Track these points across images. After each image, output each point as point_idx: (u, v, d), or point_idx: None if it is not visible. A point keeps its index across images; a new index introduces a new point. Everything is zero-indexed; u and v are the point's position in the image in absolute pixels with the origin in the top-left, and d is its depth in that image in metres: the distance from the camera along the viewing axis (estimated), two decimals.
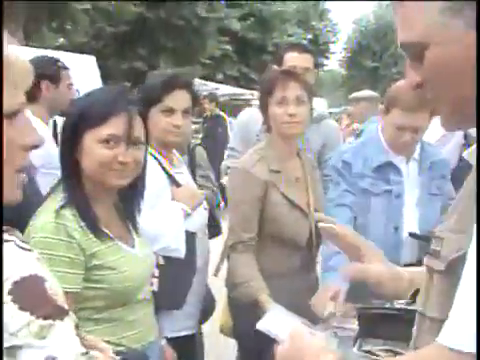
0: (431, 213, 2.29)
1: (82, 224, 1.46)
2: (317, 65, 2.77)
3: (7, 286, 0.81)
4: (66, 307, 0.89)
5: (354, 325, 1.78)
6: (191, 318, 2.07)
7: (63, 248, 1.41)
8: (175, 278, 1.90)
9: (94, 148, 1.48)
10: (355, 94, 5.58)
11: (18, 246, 0.86)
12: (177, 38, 17.71)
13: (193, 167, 2.58)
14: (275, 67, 2.67)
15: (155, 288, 1.77)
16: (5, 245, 0.84)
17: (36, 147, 0.90)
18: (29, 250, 0.88)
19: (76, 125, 1.49)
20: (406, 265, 2.30)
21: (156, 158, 1.97)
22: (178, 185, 1.98)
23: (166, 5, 17.04)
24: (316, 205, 2.24)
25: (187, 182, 2.08)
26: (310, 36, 27.59)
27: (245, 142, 2.82)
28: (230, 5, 19.81)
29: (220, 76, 20.91)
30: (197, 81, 12.13)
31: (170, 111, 1.97)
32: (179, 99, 1.99)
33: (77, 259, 1.44)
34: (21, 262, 0.85)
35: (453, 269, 0.79)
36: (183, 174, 2.08)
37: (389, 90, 2.35)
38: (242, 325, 2.13)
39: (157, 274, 1.80)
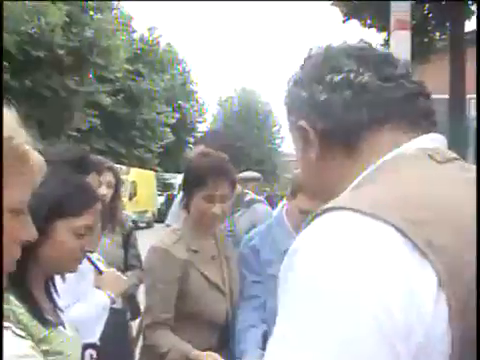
0: None
1: (27, 309, 1.35)
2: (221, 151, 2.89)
3: None
4: None
5: None
6: None
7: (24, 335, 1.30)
8: None
9: (67, 238, 1.45)
10: (243, 175, 5.93)
11: (14, 333, 0.83)
12: (43, 109, 17.25)
13: (127, 247, 2.55)
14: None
15: None
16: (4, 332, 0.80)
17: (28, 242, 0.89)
18: (24, 337, 0.84)
19: (46, 215, 1.43)
20: None
21: None
22: (100, 272, 1.94)
23: (34, 74, 16.64)
24: (231, 283, 2.26)
25: (107, 268, 2.04)
26: (178, 115, 28.28)
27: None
28: (100, 80, 19.83)
29: (87, 149, 20.57)
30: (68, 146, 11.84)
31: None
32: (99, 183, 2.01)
33: (35, 347, 1.34)
34: (17, 350, 0.81)
35: None
36: (100, 260, 2.04)
37: (294, 176, 2.51)
38: None
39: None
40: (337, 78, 0.87)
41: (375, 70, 0.88)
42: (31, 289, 1.43)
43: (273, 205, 6.15)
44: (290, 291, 0.71)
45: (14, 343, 0.83)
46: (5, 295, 1.33)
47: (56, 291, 1.57)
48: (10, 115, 0.90)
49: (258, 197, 3.15)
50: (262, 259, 2.38)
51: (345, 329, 0.64)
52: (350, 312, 0.65)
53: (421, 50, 9.24)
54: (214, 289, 2.18)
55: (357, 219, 0.70)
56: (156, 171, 23.86)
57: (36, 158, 0.86)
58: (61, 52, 16.91)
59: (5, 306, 1.31)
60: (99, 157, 3.02)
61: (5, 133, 0.82)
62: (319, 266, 0.68)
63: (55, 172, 1.54)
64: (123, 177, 14.61)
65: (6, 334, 0.82)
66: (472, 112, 12.33)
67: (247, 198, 2.87)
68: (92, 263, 1.91)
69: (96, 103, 20.21)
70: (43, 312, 1.41)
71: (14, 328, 0.84)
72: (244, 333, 2.25)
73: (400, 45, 5.25)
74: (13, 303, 1.34)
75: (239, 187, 2.99)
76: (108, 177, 2.94)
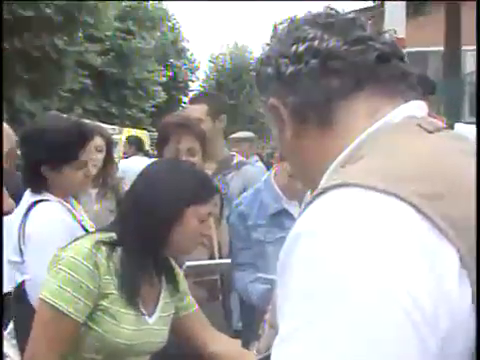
0: None
1: (111, 265, 1.49)
2: (216, 113, 2.91)
3: None
4: None
5: None
6: None
7: (86, 276, 1.44)
8: None
9: (194, 224, 1.59)
10: (236, 135, 5.89)
11: None
12: (34, 70, 16.99)
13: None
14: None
15: None
16: None
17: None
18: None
19: (181, 203, 1.57)
20: None
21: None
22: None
23: (23, 35, 16.32)
24: (219, 237, 2.37)
25: None
26: (170, 73, 27.93)
27: None
28: (90, 39, 19.49)
29: (79, 110, 20.37)
30: (56, 114, 11.72)
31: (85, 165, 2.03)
32: (90, 151, 2.04)
33: (93, 291, 1.45)
34: None
35: None
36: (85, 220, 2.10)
37: None
38: None
39: None
40: (301, 47, 0.81)
41: (341, 34, 0.82)
42: (147, 265, 1.58)
43: (268, 165, 6.15)
44: (297, 285, 0.64)
45: None
46: (100, 246, 1.49)
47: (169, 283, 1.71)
48: None
49: (245, 159, 3.19)
50: (249, 224, 2.43)
51: (374, 328, 0.58)
52: (378, 309, 0.58)
53: (417, 2, 9.09)
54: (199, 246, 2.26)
55: (369, 197, 0.63)
56: (149, 131, 23.71)
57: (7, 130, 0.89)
58: (49, 11, 16.54)
59: (93, 251, 1.47)
60: (90, 122, 3.02)
61: None
62: (330, 256, 0.61)
63: (179, 166, 1.70)
64: (116, 137, 14.51)
65: None
66: (467, 65, 12.23)
67: (235, 161, 2.92)
68: (83, 228, 1.94)
69: (86, 63, 19.92)
70: (135, 286, 1.53)
71: None
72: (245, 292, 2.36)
73: (395, 13, 5.14)
74: (102, 253, 1.49)
75: (226, 150, 3.02)
76: (98, 141, 2.94)
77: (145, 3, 26.52)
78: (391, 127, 0.77)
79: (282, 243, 2.48)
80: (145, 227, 1.54)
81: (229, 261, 2.29)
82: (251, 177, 2.92)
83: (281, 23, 0.90)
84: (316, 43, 0.81)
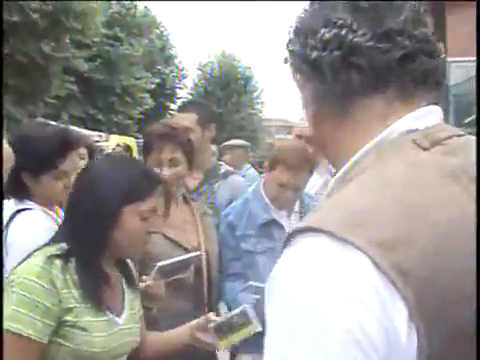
0: None
1: (68, 277, 1.43)
2: (206, 122, 2.89)
3: None
4: None
5: None
6: None
7: (42, 294, 1.38)
8: None
9: (133, 222, 1.52)
10: (230, 143, 5.97)
11: None
12: (20, 76, 16.87)
13: None
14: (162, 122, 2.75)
15: None
16: None
17: None
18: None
19: (117, 202, 1.50)
20: None
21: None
22: None
23: (9, 41, 16.21)
24: (207, 246, 2.34)
25: None
26: (158, 80, 27.88)
27: None
28: (77, 46, 19.40)
29: (65, 116, 20.25)
30: (43, 121, 11.66)
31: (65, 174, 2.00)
32: (74, 161, 2.03)
33: (52, 309, 1.39)
34: None
35: None
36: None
37: (273, 148, 2.51)
38: None
39: None
40: (329, 35, 0.80)
41: (372, 24, 0.79)
42: (100, 269, 1.52)
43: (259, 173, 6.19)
44: (270, 314, 0.72)
45: None
46: (53, 260, 1.44)
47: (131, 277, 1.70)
48: None
49: (232, 169, 3.19)
50: (238, 234, 2.41)
51: (319, 342, 0.65)
52: (335, 339, 0.65)
53: None
54: (180, 249, 2.23)
55: (329, 246, 0.69)
56: (136, 138, 23.63)
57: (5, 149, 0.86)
58: (36, 16, 16.45)
59: (45, 267, 1.42)
60: (76, 131, 3.00)
61: None
62: (293, 294, 0.69)
63: (113, 163, 1.62)
64: (103, 144, 14.41)
65: None
66: (452, 76, 12.33)
67: (222, 170, 2.91)
68: None
69: (73, 69, 19.81)
70: (97, 291, 1.48)
71: None
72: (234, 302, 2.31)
73: None
74: (57, 268, 1.43)
75: (213, 159, 3.01)
76: (81, 150, 2.93)
77: (132, 10, 26.49)
78: (387, 145, 0.78)
79: (272, 253, 2.45)
80: (84, 231, 1.50)
81: (198, 253, 2.22)
82: (238, 186, 2.90)
83: None
84: (343, 32, 0.79)
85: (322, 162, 2.86)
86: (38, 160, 1.87)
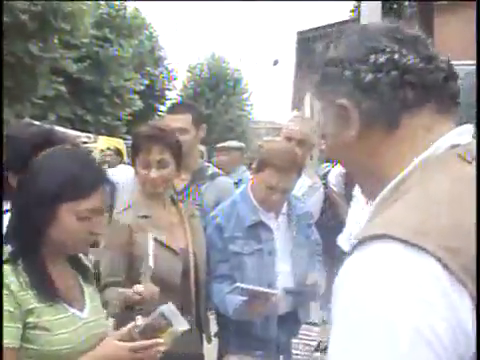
0: (302, 263, 2.47)
1: (21, 280, 1.40)
2: (198, 123, 2.89)
3: None
4: None
5: None
6: None
7: (4, 301, 1.35)
8: None
9: (70, 222, 1.44)
10: (225, 144, 5.83)
11: None
12: (7, 76, 16.74)
13: None
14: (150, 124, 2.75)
15: None
16: None
17: None
18: None
19: (52, 198, 1.42)
20: (280, 317, 2.44)
21: None
22: None
23: None
24: (195, 248, 2.34)
25: None
26: (147, 82, 27.77)
27: None
28: (66, 46, 19.28)
29: (53, 117, 20.11)
30: (29, 122, 11.58)
31: None
32: None
33: (15, 313, 1.37)
34: None
35: None
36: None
37: (261, 150, 2.50)
38: None
39: None
40: (382, 59, 0.91)
41: (415, 51, 0.92)
42: (44, 265, 1.46)
43: None
44: (340, 324, 0.78)
45: None
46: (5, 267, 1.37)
47: (85, 269, 1.63)
48: None
49: (220, 171, 3.18)
50: (226, 236, 2.40)
51: (388, 343, 0.71)
52: (393, 328, 0.71)
53: (390, 16, 9.22)
54: (166, 250, 2.23)
55: (401, 252, 0.76)
56: (125, 139, 23.54)
57: None
58: (24, 17, 16.34)
59: None
60: (63, 131, 2.97)
61: None
62: (364, 297, 0.75)
63: (59, 154, 1.53)
64: (92, 146, 14.33)
65: None
66: None
67: (209, 172, 2.91)
68: None
69: (62, 70, 19.68)
70: (49, 287, 1.43)
71: None
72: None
73: (371, 15, 5.22)
74: (8, 272, 1.39)
75: (200, 161, 3.01)
76: None
77: (122, 11, 26.39)
78: (436, 159, 0.88)
79: (259, 255, 2.46)
80: (22, 229, 1.46)
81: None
82: (225, 188, 2.90)
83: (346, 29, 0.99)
84: (396, 56, 0.91)
85: (309, 164, 2.87)
86: (21, 160, 1.85)
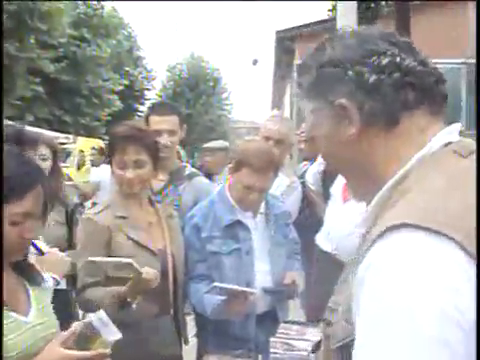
0: (280, 262, 2.47)
1: None
2: (182, 124, 2.88)
3: None
4: None
5: None
6: None
7: None
8: None
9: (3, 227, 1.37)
10: (210, 144, 5.74)
11: None
12: None
13: (71, 225, 2.66)
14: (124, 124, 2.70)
15: None
16: None
17: None
18: None
19: None
20: (259, 316, 2.44)
21: None
22: (42, 252, 1.89)
23: None
24: (173, 249, 2.33)
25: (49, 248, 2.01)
26: (126, 82, 27.59)
27: None
28: (43, 46, 19.07)
29: (31, 118, 19.87)
30: (4, 123, 11.42)
31: None
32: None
33: None
34: None
35: (346, 348, 0.93)
36: (39, 239, 2.00)
37: (238, 150, 2.50)
38: None
39: None
40: (385, 61, 0.95)
41: (412, 55, 0.97)
42: None
43: None
44: (366, 308, 0.81)
45: None
46: None
47: (29, 272, 1.57)
48: None
49: (197, 170, 3.18)
50: (204, 236, 2.40)
51: (415, 326, 0.75)
52: (420, 309, 0.75)
53: (366, 16, 9.28)
54: (144, 251, 2.22)
55: (426, 241, 0.79)
56: (104, 139, 23.35)
57: None
58: None
59: None
60: (35, 130, 2.92)
61: None
62: (392, 289, 0.78)
63: None
64: (70, 146, 14.13)
65: None
66: None
67: (187, 171, 2.90)
68: (32, 244, 1.86)
69: (39, 70, 19.46)
70: None
71: None
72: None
73: (347, 15, 5.26)
74: None
75: (177, 161, 3.00)
76: (42, 150, 2.80)
77: (100, 11, 26.18)
78: (431, 157, 0.92)
79: (237, 254, 2.46)
80: None
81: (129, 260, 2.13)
82: (202, 189, 2.89)
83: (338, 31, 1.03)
84: (397, 59, 0.95)
85: (289, 163, 2.88)
86: None
